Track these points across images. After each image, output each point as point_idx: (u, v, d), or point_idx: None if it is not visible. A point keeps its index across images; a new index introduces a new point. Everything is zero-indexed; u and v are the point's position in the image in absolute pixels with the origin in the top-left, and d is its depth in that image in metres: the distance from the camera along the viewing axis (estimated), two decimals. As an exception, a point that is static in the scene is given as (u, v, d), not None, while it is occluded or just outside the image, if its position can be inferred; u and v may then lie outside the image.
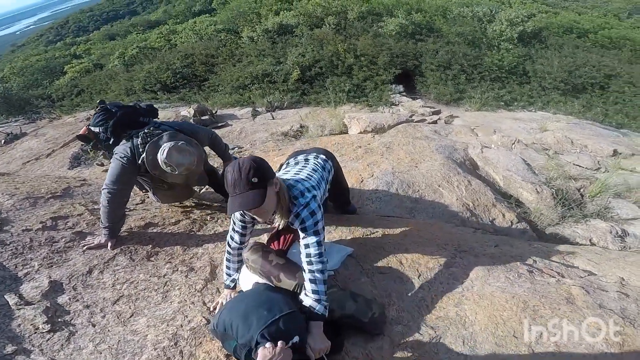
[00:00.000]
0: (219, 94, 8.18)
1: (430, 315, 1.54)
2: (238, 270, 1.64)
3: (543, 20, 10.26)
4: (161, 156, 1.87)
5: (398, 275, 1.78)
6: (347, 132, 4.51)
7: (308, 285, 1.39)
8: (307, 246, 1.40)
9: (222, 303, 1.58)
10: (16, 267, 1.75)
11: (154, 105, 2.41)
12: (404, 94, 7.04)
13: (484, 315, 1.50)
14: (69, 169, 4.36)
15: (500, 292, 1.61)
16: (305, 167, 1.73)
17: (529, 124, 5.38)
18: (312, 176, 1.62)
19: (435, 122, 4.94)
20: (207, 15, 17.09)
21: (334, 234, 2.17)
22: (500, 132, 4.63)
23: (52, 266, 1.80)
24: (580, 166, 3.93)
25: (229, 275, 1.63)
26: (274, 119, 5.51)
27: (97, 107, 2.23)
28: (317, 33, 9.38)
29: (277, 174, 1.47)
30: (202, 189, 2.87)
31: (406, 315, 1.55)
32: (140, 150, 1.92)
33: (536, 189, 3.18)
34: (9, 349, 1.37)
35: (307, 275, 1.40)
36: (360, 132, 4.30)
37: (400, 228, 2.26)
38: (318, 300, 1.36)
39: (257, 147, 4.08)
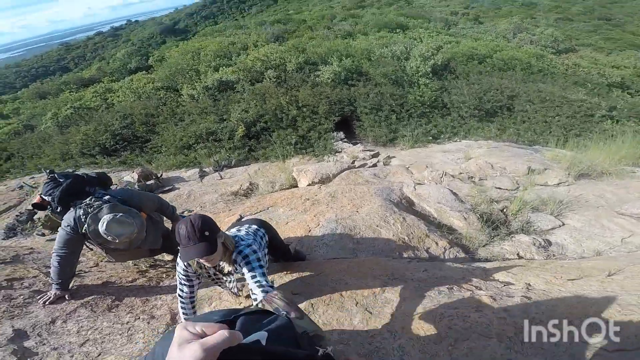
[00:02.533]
0: (163, 155, 8.22)
1: (365, 334, 1.89)
2: (194, 314, 1.91)
3: (449, 51, 11.89)
4: (102, 228, 2.09)
5: (339, 305, 2.13)
6: (296, 185, 4.95)
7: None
8: (254, 276, 1.67)
9: None
10: None
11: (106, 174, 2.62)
12: (345, 140, 7.76)
13: (409, 329, 1.87)
14: (3, 239, 4.23)
15: (422, 308, 2.02)
16: (238, 233, 2.03)
17: (455, 154, 6.26)
18: (245, 237, 1.94)
19: (375, 165, 5.60)
20: (144, 72, 17.41)
21: (284, 278, 2.50)
22: (431, 167, 5.38)
23: (13, 318, 1.93)
24: (501, 188, 4.71)
25: (187, 319, 1.85)
26: (222, 178, 5.77)
27: (47, 176, 2.45)
28: (258, 87, 10.07)
29: None
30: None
31: (346, 336, 1.87)
32: (83, 220, 2.13)
33: (463, 216, 3.80)
34: None
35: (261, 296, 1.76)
36: (309, 184, 4.77)
37: (343, 266, 2.67)
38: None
39: (207, 209, 4.32)
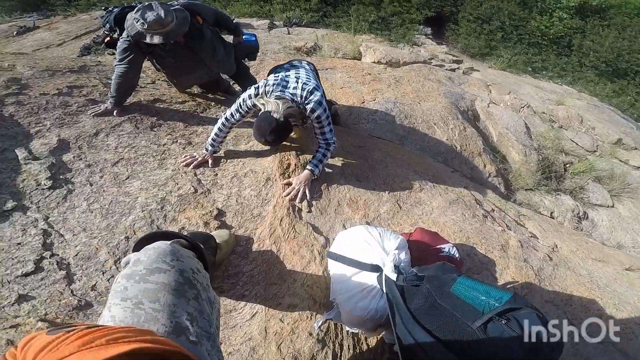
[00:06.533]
0: (239, 3, 8.00)
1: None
2: (221, 143, 1.99)
3: (616, -5, 9.61)
4: (133, 14, 2.00)
5: (372, 185, 2.06)
6: (360, 59, 4.65)
7: (318, 155, 1.90)
8: (323, 133, 1.88)
9: (194, 157, 1.92)
10: (29, 124, 1.89)
11: None
12: (430, 36, 6.99)
13: (430, 239, 1.83)
14: (78, 56, 4.49)
15: (452, 224, 1.95)
16: (303, 70, 2.03)
17: (548, 94, 5.52)
18: (310, 79, 1.93)
19: (452, 70, 5.06)
20: None
21: None
22: (515, 94, 4.80)
23: (62, 126, 1.95)
24: (577, 144, 4.23)
25: (213, 145, 1.94)
26: (289, 33, 5.54)
27: (104, 12, 2.44)
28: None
29: (275, 75, 1.87)
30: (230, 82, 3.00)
31: (369, 222, 1.84)
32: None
33: (525, 151, 3.51)
34: (9, 204, 1.51)
35: (321, 150, 1.90)
36: (374, 62, 4.45)
37: (387, 149, 2.57)
38: (319, 162, 1.90)
39: (269, 56, 4.23)
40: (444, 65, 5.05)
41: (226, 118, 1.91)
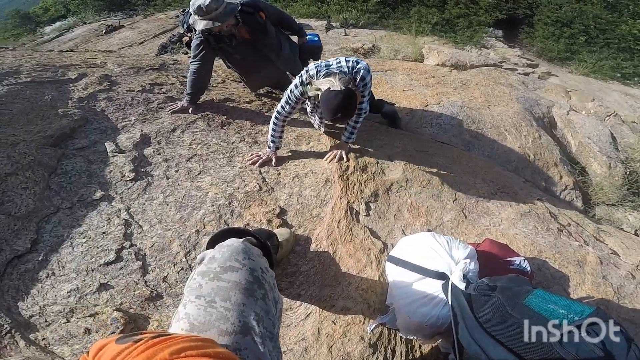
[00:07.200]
0: (298, 4, 8.26)
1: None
2: (280, 138, 2.02)
3: None
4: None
5: (436, 192, 1.96)
6: (422, 62, 4.50)
7: (349, 128, 2.03)
8: (362, 102, 1.90)
9: (260, 156, 1.98)
10: (117, 119, 2.07)
11: None
12: (501, 39, 6.56)
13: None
14: (156, 55, 4.98)
15: (523, 236, 1.79)
16: (341, 56, 2.01)
17: (640, 102, 4.91)
18: (350, 57, 1.94)
19: (526, 74, 4.70)
20: None
21: (385, 149, 2.31)
22: (599, 101, 4.32)
23: (145, 122, 2.10)
24: (676, 158, 3.67)
25: (274, 141, 1.99)
26: (346, 34, 5.58)
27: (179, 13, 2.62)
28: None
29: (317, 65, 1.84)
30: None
31: (431, 230, 1.74)
32: None
33: (609, 164, 3.12)
34: (98, 194, 1.65)
35: (351, 122, 2.00)
36: (438, 65, 4.28)
37: (453, 154, 2.44)
38: (350, 134, 2.06)
39: (327, 57, 4.27)
40: (516, 69, 4.71)
41: (278, 112, 1.95)
